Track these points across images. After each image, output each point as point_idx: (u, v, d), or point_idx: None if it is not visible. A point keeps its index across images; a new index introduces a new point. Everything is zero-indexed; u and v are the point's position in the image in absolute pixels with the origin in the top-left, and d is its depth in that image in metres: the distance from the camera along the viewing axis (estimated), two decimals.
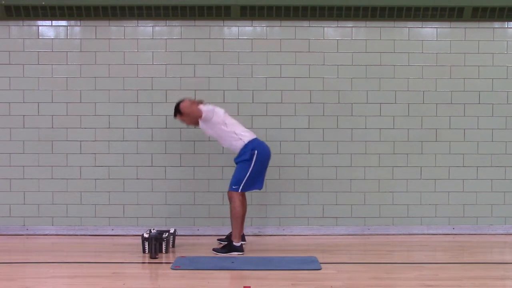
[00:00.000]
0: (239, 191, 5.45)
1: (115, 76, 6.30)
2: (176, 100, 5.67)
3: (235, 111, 6.14)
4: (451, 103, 6.39)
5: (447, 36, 6.39)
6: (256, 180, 5.52)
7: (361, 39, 6.36)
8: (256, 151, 5.43)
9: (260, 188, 5.61)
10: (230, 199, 5.56)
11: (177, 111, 5.58)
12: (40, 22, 6.31)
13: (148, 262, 5.18)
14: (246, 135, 5.50)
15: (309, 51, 6.34)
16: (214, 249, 5.52)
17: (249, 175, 5.43)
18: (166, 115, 6.29)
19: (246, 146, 5.46)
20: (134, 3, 6.13)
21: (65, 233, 6.30)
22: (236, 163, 5.59)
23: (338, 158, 6.37)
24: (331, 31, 6.37)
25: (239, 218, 5.47)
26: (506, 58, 6.40)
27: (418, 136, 6.39)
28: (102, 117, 6.31)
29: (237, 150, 5.54)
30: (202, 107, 5.46)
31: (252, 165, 5.41)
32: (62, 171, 6.31)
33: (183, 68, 6.31)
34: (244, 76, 6.29)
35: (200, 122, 5.51)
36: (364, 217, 6.39)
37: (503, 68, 6.40)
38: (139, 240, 5.53)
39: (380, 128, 6.38)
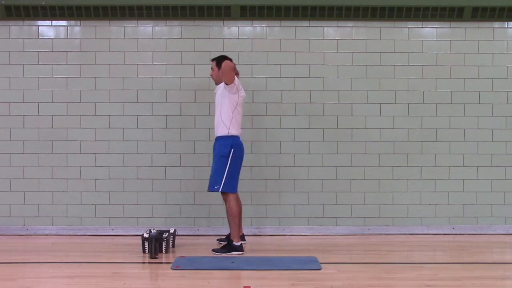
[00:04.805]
0: (227, 191, 5.47)
1: (115, 76, 6.30)
2: (177, 102, 5.69)
3: None
4: (451, 103, 6.39)
5: (447, 36, 6.39)
6: (237, 178, 5.55)
7: (361, 39, 6.36)
8: (233, 150, 5.45)
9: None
10: (224, 200, 5.58)
11: (219, 62, 5.57)
12: (40, 22, 6.31)
13: (148, 262, 5.18)
14: (234, 130, 5.51)
15: (309, 51, 6.34)
16: (213, 250, 5.51)
17: (228, 172, 5.44)
18: (166, 115, 6.30)
19: (227, 138, 5.48)
20: (134, 3, 6.13)
21: (65, 233, 6.30)
22: (214, 155, 5.60)
23: (338, 158, 6.37)
24: (331, 31, 6.37)
25: (235, 217, 5.49)
26: (506, 58, 6.40)
27: (418, 136, 6.39)
28: (102, 117, 6.31)
29: (216, 133, 5.55)
30: (236, 78, 5.50)
31: (229, 163, 5.44)
32: (62, 171, 6.31)
33: (183, 68, 6.31)
34: (244, 76, 6.28)
35: (223, 85, 5.51)
36: (364, 217, 6.39)
37: (503, 68, 6.40)
38: (139, 240, 5.53)
39: (380, 128, 6.38)
